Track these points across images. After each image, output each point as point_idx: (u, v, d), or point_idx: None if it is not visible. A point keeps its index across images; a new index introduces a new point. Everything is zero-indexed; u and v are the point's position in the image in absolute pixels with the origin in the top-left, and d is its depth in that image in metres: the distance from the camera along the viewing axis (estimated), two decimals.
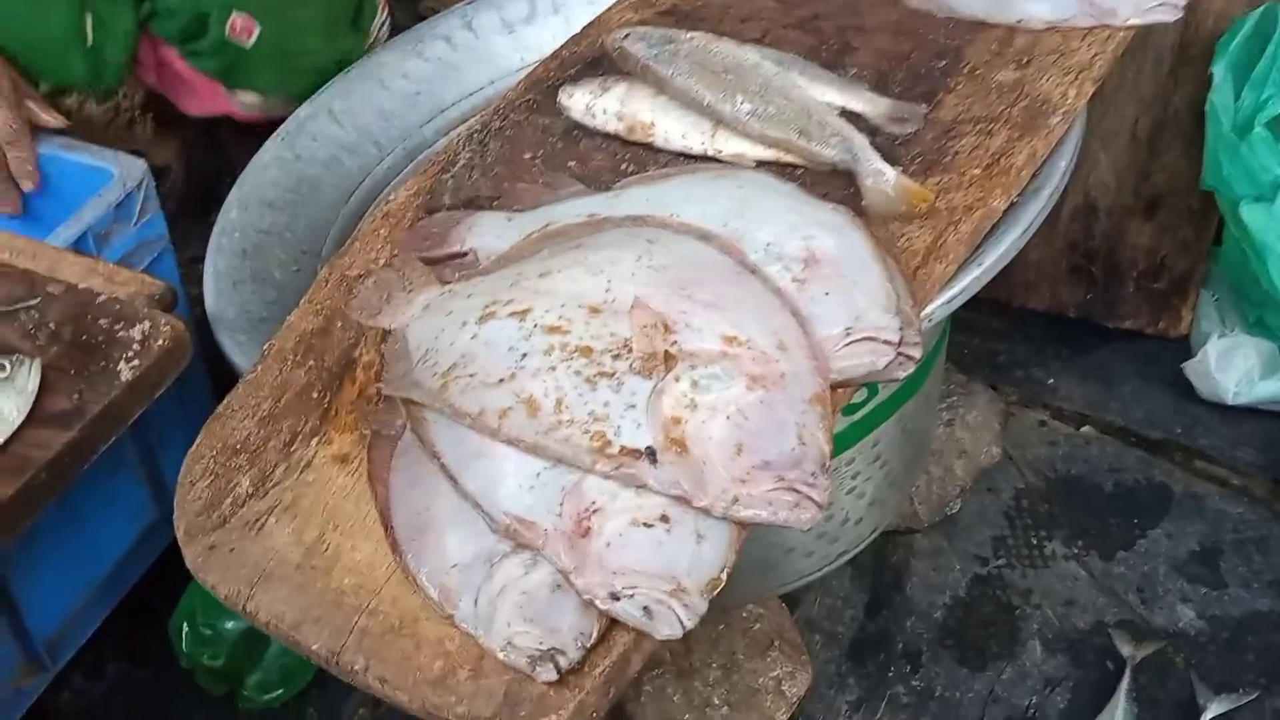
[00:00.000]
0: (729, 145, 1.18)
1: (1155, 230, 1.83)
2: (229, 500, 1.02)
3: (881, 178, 1.10)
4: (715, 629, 1.50)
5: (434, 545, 0.94)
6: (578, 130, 1.27)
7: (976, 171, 1.12)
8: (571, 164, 1.23)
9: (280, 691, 1.54)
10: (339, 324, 1.12)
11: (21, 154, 1.47)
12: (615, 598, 0.86)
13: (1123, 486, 1.76)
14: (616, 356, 0.95)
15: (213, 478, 1.04)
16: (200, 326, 1.24)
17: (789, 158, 1.16)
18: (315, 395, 1.08)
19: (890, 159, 1.12)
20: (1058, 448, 1.81)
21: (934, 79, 1.23)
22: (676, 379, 0.93)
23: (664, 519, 0.88)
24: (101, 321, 1.22)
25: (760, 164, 1.17)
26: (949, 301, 1.07)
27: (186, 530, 1.01)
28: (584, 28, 1.43)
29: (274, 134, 1.46)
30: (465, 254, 1.13)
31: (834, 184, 1.14)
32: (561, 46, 1.42)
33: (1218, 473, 1.76)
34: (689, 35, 1.24)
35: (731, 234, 1.04)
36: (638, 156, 1.22)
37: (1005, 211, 1.11)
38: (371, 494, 1.00)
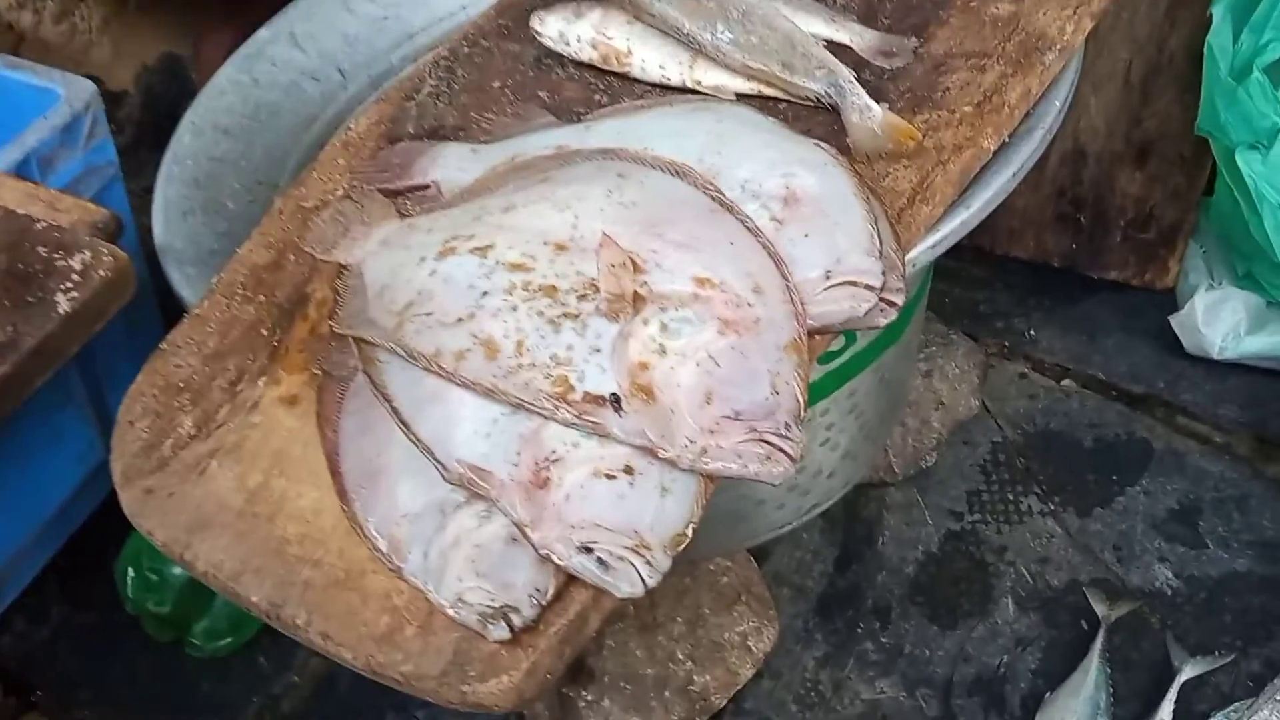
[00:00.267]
0: (708, 76, 1.14)
1: (1145, 178, 1.80)
2: (170, 441, 0.99)
3: (868, 114, 1.07)
4: (681, 582, 1.48)
5: (384, 494, 0.91)
6: (550, 58, 1.23)
7: (967, 109, 1.09)
8: (542, 94, 1.20)
9: (229, 640, 1.51)
10: (292, 258, 1.09)
11: None
12: (574, 552, 0.83)
13: (1102, 442, 1.74)
14: (582, 297, 0.92)
15: (153, 417, 1.00)
16: (153, 259, 1.20)
17: (771, 91, 1.13)
18: (264, 332, 1.04)
19: (877, 94, 1.09)
20: (1037, 401, 1.79)
21: (925, 11, 1.19)
22: (645, 322, 0.90)
23: (627, 470, 0.85)
24: (39, 250, 1.18)
25: (740, 97, 1.14)
26: (934, 246, 1.03)
27: (123, 473, 0.98)
28: None
29: (231, 57, 1.40)
30: (427, 186, 1.10)
31: (817, 119, 1.11)
32: None
33: (1200, 429, 1.74)
34: None
35: (707, 170, 1.01)
36: (612, 87, 1.18)
37: (995, 152, 1.08)
38: (320, 438, 0.96)
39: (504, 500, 0.85)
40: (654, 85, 1.17)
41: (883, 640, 1.55)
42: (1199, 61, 1.63)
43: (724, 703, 1.46)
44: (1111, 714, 1.44)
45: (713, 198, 0.99)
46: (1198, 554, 1.60)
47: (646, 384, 0.87)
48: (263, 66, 1.39)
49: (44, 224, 1.19)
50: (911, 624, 1.56)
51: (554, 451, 0.86)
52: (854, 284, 0.93)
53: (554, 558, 0.83)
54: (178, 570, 1.45)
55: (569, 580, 0.84)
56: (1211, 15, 1.60)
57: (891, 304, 0.94)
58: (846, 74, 1.09)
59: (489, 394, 0.89)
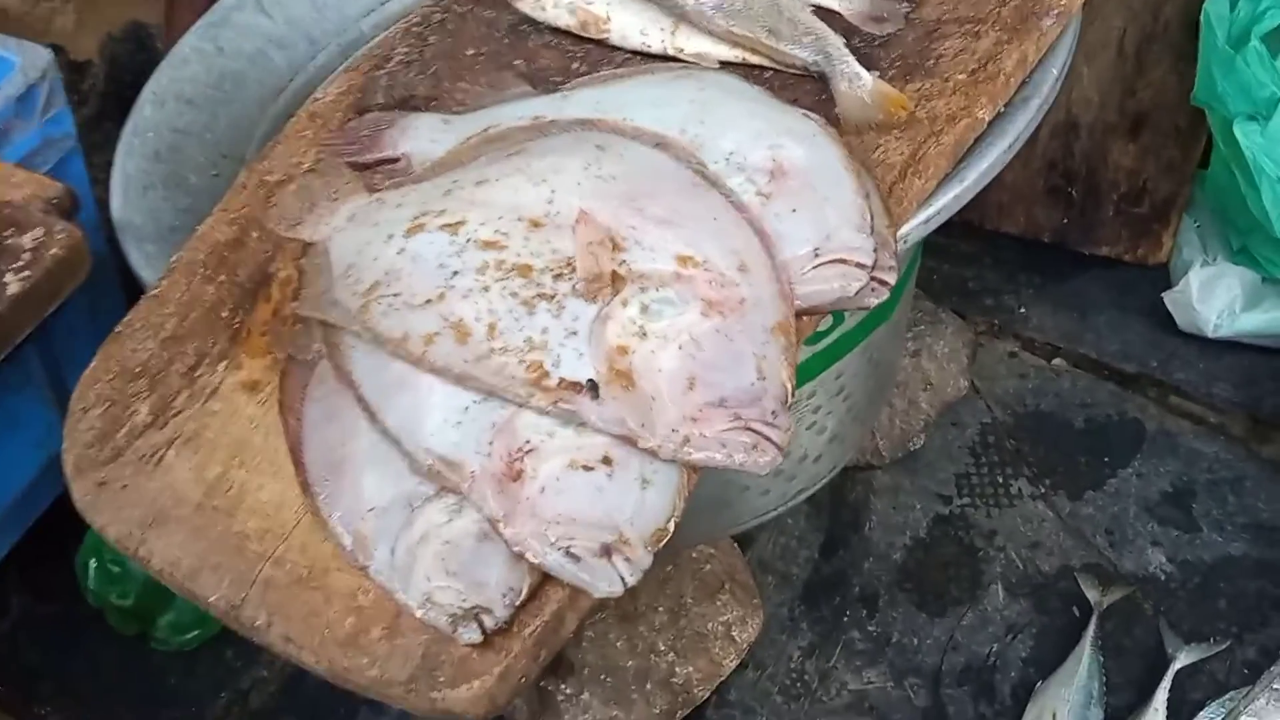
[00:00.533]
0: (690, 43, 1.11)
1: (1139, 150, 1.77)
2: (124, 430, 0.96)
3: (857, 82, 1.04)
4: (663, 570, 1.45)
5: (349, 486, 0.87)
6: (526, 25, 1.19)
7: (961, 77, 1.06)
8: (517, 62, 1.17)
9: (195, 633, 1.48)
10: (255, 235, 1.05)
11: None
12: (549, 549, 0.80)
13: (1094, 423, 1.71)
14: (558, 277, 0.89)
15: (108, 404, 0.97)
16: (115, 236, 1.16)
17: (756, 58, 1.10)
18: (225, 314, 1.01)
19: (867, 62, 1.06)
20: (1027, 380, 1.76)
21: None
22: (624, 303, 0.87)
23: (606, 461, 0.82)
24: None
25: (724, 65, 1.11)
26: (927, 222, 1.00)
27: (75, 464, 0.95)
28: None
29: (195, 24, 1.35)
30: (397, 159, 1.07)
31: (805, 88, 1.08)
32: None
33: (1193, 409, 1.72)
34: None
35: (690, 141, 0.98)
36: (590, 55, 1.15)
37: (990, 123, 1.05)
38: (282, 427, 0.93)
39: (475, 493, 0.82)
40: (634, 53, 1.14)
41: (870, 629, 1.53)
42: (1195, 29, 1.60)
43: (707, 695, 1.44)
44: (1104, 703, 1.42)
45: (695, 171, 0.96)
46: (1192, 538, 1.58)
47: (626, 369, 0.84)
48: (228, 34, 1.34)
49: None
50: (899, 612, 1.54)
51: (528, 441, 0.83)
52: (844, 262, 0.91)
53: (528, 555, 0.80)
54: None
55: (544, 579, 0.81)
56: None
57: (883, 283, 0.91)
58: (835, 41, 1.07)
59: (459, 380, 0.86)
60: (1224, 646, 1.45)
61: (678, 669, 1.42)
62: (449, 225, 0.94)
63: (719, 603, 1.45)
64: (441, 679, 0.79)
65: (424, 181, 1.01)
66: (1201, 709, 1.40)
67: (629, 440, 0.82)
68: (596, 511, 0.80)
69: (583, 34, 1.16)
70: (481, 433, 0.84)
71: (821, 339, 1.19)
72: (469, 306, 0.88)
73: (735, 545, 1.52)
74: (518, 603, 0.80)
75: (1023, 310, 1.84)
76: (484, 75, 1.15)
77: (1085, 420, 1.71)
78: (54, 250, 1.11)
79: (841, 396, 1.29)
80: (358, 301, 0.92)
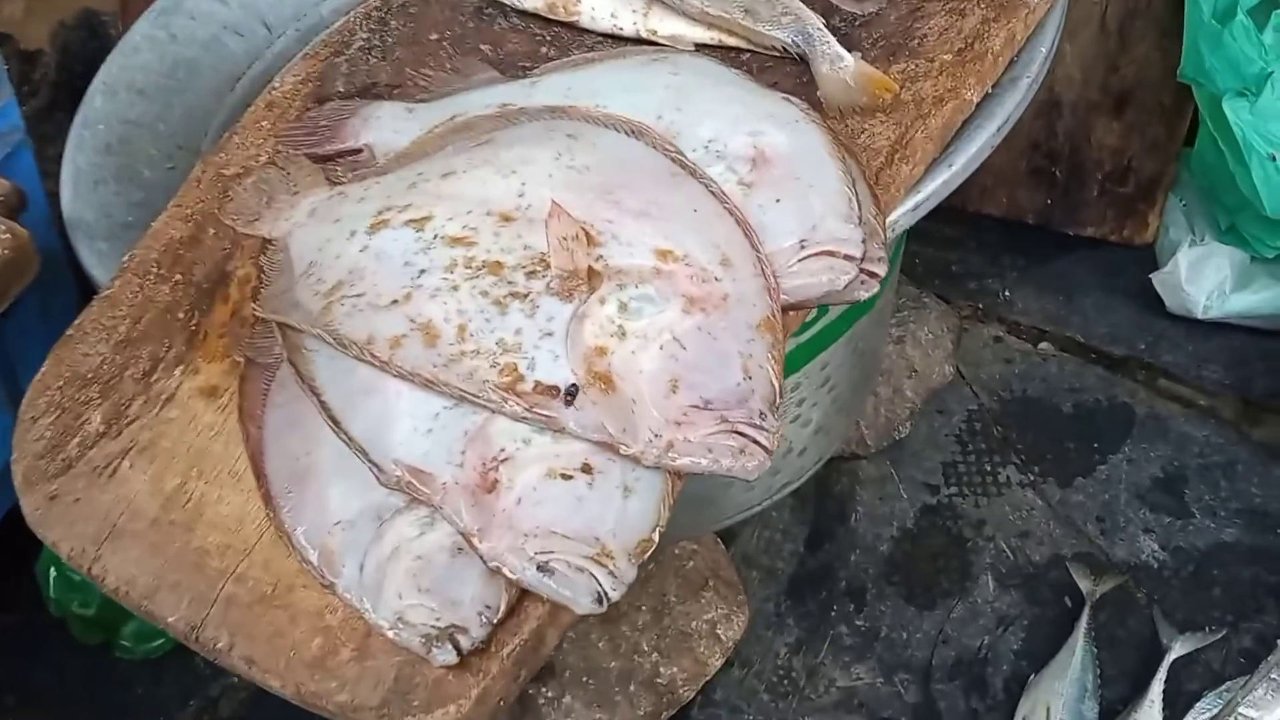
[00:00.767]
0: (664, 25, 1.09)
1: (1123, 129, 1.76)
2: (76, 440, 0.94)
3: (839, 64, 1.02)
4: (645, 569, 1.40)
5: (314, 498, 0.85)
6: (492, 8, 1.17)
7: (947, 58, 1.04)
8: (484, 47, 1.14)
9: (161, 641, 1.46)
10: (211, 231, 1.03)
11: None
12: (527, 564, 0.77)
13: (1082, 408, 1.70)
14: (531, 274, 0.86)
15: (59, 412, 0.95)
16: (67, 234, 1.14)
17: (733, 40, 1.08)
18: (181, 316, 0.98)
19: (848, 43, 1.04)
20: (1013, 365, 1.75)
21: None
22: (601, 301, 0.84)
23: (585, 469, 0.80)
24: None
25: (700, 47, 1.09)
26: (915, 208, 0.99)
27: (25, 476, 0.93)
28: None
29: (146, 10, 1.33)
30: (359, 150, 1.05)
31: (784, 71, 1.05)
32: None
33: (1183, 392, 1.70)
34: None
35: (666, 129, 0.95)
36: (559, 39, 1.14)
37: (978, 105, 1.03)
38: (243, 435, 0.91)
39: (448, 506, 0.80)
40: (605, 36, 1.12)
41: (858, 623, 1.51)
42: (1179, 4, 1.58)
43: (693, 695, 1.42)
44: (1099, 696, 1.40)
45: (673, 160, 0.94)
46: (1184, 524, 1.57)
47: (605, 371, 0.81)
48: (180, 21, 1.32)
49: None
50: (887, 605, 1.52)
51: (503, 450, 0.80)
52: (832, 254, 0.88)
53: (505, 570, 0.78)
54: None
55: (522, 595, 0.79)
56: None
57: (873, 275, 0.89)
58: (815, 20, 1.05)
59: (428, 385, 0.83)
60: (1219, 636, 1.44)
61: (662, 669, 1.40)
62: (414, 220, 0.91)
63: (703, 600, 1.43)
64: (415, 703, 0.77)
65: (387, 174, 0.99)
66: (1198, 700, 1.38)
67: (609, 447, 0.80)
68: (576, 523, 0.78)
69: (551, 16, 1.14)
70: (453, 441, 0.81)
71: (806, 330, 1.18)
72: (437, 307, 0.86)
73: (718, 541, 1.50)
74: (495, 621, 0.79)
75: (1007, 294, 1.83)
76: (449, 61, 1.13)
77: (1073, 405, 1.70)
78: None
79: (826, 388, 1.28)
80: (320, 302, 0.90)
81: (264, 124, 1.12)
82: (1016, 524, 1.58)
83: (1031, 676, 1.42)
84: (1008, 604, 1.51)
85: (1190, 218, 1.74)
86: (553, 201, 0.88)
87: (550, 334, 0.83)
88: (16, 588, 1.48)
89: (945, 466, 1.64)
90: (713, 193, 0.90)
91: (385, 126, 1.05)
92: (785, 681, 1.46)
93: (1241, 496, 1.58)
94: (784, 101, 0.98)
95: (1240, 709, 1.33)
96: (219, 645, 0.82)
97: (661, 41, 1.10)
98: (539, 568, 0.76)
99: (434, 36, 1.16)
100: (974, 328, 1.78)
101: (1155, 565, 1.53)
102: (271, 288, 0.94)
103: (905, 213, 0.97)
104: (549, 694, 1.36)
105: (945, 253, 1.87)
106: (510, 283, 0.85)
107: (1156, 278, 1.73)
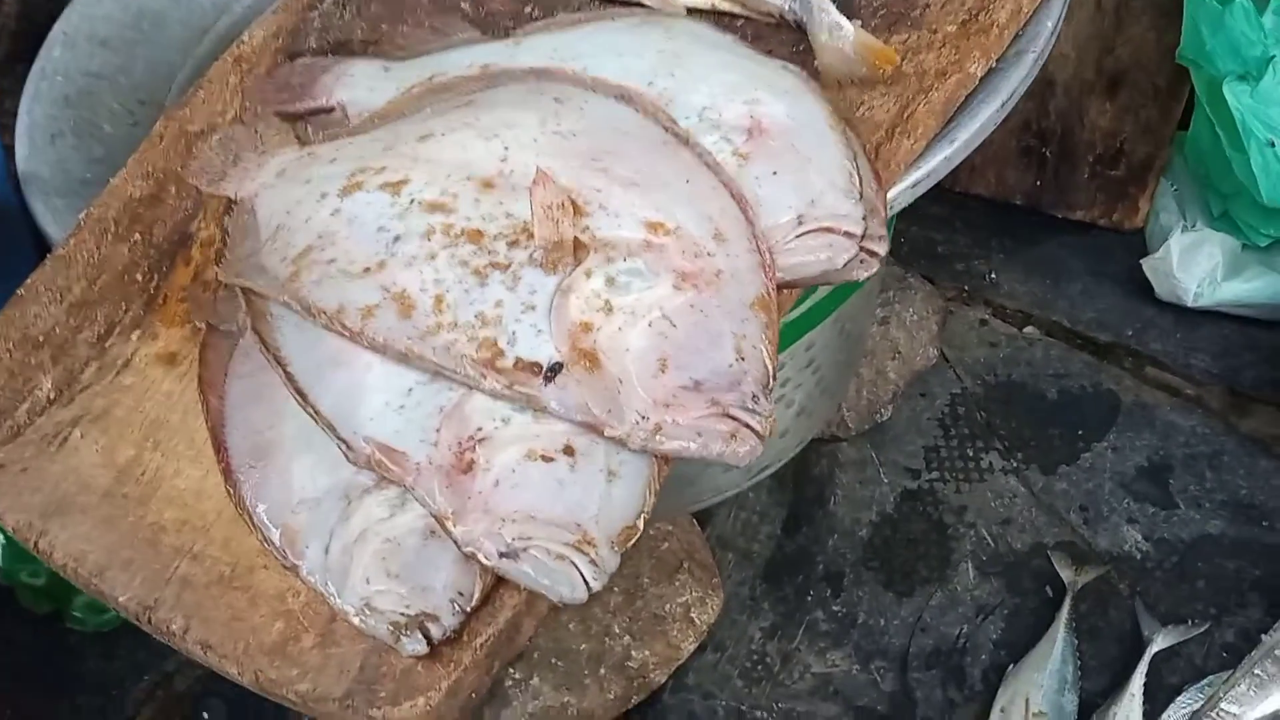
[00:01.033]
0: None
1: (1116, 110, 1.73)
2: (25, 406, 0.93)
3: (838, 32, 0.98)
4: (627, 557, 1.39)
5: (277, 475, 0.83)
6: None
7: (951, 29, 1.00)
8: (464, 5, 1.11)
9: (114, 613, 1.38)
10: (174, 190, 1.01)
11: None
12: (503, 550, 0.75)
13: (1067, 394, 1.67)
14: (513, 244, 0.83)
15: (7, 376, 0.94)
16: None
17: (726, 4, 1.05)
18: (140, 278, 0.97)
19: (848, 10, 1.01)
20: (998, 349, 1.72)
21: None
22: (588, 275, 0.81)
23: (567, 451, 0.77)
24: None
25: (692, 11, 1.05)
26: (915, 185, 0.95)
27: None
28: None
29: None
30: (331, 109, 1.02)
31: (780, 38, 1.02)
32: None
33: (1170, 381, 1.68)
34: None
35: (658, 95, 0.92)
36: None
37: (981, 79, 1.00)
38: (202, 406, 0.89)
39: (420, 487, 0.78)
40: None
41: (834, 609, 1.49)
42: None
43: (664, 679, 1.40)
44: (1079, 688, 1.39)
45: (665, 128, 0.91)
46: (1168, 515, 1.55)
47: (590, 349, 0.78)
48: None
49: None
50: (865, 591, 1.50)
51: (480, 429, 0.77)
52: (831, 230, 0.85)
53: (480, 556, 0.75)
54: None
55: (497, 582, 0.77)
56: None
57: (873, 254, 0.86)
58: None
59: (402, 359, 0.80)
60: (1202, 629, 1.42)
61: (633, 652, 1.38)
62: (390, 184, 0.88)
63: (677, 583, 1.41)
64: (382, 694, 0.75)
65: (361, 134, 0.96)
66: (1179, 693, 1.37)
67: (593, 428, 0.77)
68: (557, 508, 0.76)
69: None
70: (427, 419, 0.78)
71: (793, 309, 1.13)
72: (413, 276, 0.82)
73: (694, 522, 1.48)
74: (468, 609, 0.77)
75: (993, 276, 1.81)
76: (428, 18, 1.10)
77: (1058, 391, 1.68)
78: None
79: (811, 369, 1.25)
80: (287, 268, 0.86)
81: (231, 79, 1.09)
82: (998, 511, 1.56)
83: (1011, 667, 1.40)
84: (988, 592, 1.49)
85: (1182, 203, 1.71)
86: (538, 168, 0.85)
87: (533, 308, 0.80)
88: None
89: (927, 451, 1.62)
90: (706, 163, 0.87)
91: (359, 85, 1.02)
92: (759, 667, 1.44)
93: (1227, 488, 1.56)
94: (782, 69, 0.95)
95: (1222, 704, 1.31)
96: (173, 628, 0.79)
97: (650, 3, 1.05)
98: (516, 554, 0.73)
99: None
100: (959, 310, 1.76)
101: (1138, 556, 1.51)
102: (236, 251, 0.91)
103: (905, 189, 0.94)
104: (516, 675, 1.34)
105: (931, 232, 1.84)
106: (491, 252, 0.82)
107: (1147, 263, 1.71)
